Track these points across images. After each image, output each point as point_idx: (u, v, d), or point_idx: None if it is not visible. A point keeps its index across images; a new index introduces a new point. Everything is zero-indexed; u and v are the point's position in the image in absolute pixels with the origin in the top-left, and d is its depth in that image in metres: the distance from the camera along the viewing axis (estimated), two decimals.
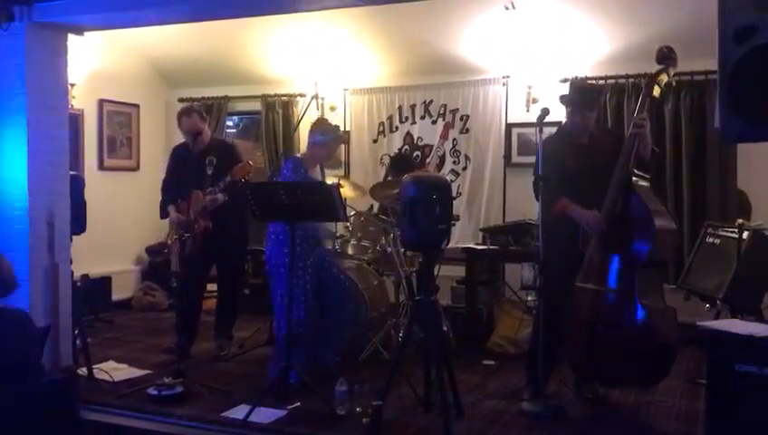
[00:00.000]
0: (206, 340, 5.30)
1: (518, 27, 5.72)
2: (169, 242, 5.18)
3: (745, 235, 4.38)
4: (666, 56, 3.81)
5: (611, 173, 3.78)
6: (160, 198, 5.29)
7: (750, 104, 2.79)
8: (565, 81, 5.82)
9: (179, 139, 5.39)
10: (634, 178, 3.77)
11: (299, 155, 4.76)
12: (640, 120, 3.77)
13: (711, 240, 4.78)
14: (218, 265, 5.23)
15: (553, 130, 4.32)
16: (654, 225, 3.65)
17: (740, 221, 4.47)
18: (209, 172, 4.70)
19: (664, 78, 3.84)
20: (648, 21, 5.37)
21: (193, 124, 5.06)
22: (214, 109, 7.29)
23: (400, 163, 5.70)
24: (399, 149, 6.61)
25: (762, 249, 4.37)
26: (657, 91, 3.86)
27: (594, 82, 5.67)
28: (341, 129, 6.21)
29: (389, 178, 5.68)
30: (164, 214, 5.20)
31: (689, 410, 3.98)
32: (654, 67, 3.88)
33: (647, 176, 3.86)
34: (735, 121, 2.88)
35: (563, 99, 4.09)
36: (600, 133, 4.14)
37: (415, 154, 6.59)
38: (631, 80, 5.73)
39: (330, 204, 3.90)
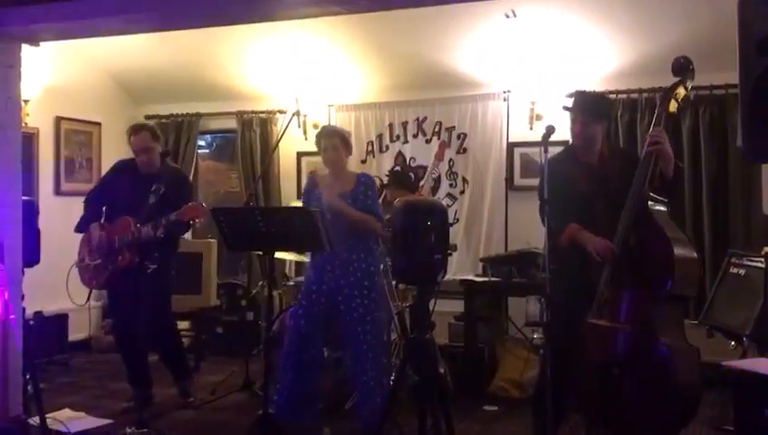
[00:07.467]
0: (172, 385, 5.25)
1: (520, 37, 5.78)
2: (78, 263, 4.93)
3: None
4: (683, 67, 3.83)
5: (624, 197, 3.78)
6: (83, 212, 5.04)
7: None
8: (572, 96, 5.86)
9: None
10: (650, 203, 3.78)
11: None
12: (657, 132, 3.77)
13: (735, 271, 4.79)
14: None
15: (559, 150, 4.33)
16: (674, 255, 3.64)
17: (766, 250, 4.48)
18: (151, 201, 4.50)
19: (681, 92, 3.85)
20: (662, 30, 5.44)
21: (141, 142, 4.90)
22: (184, 127, 7.30)
23: (400, 179, 5.67)
24: (391, 170, 6.62)
25: None
26: (673, 107, 3.87)
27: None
28: None
29: (387, 196, 5.66)
30: (83, 229, 4.95)
31: None
32: (670, 80, 3.91)
33: (664, 199, 3.85)
34: (759, 139, 2.90)
35: (567, 108, 4.11)
36: (610, 153, 4.15)
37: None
38: (645, 94, 5.78)
39: (313, 232, 3.87)
